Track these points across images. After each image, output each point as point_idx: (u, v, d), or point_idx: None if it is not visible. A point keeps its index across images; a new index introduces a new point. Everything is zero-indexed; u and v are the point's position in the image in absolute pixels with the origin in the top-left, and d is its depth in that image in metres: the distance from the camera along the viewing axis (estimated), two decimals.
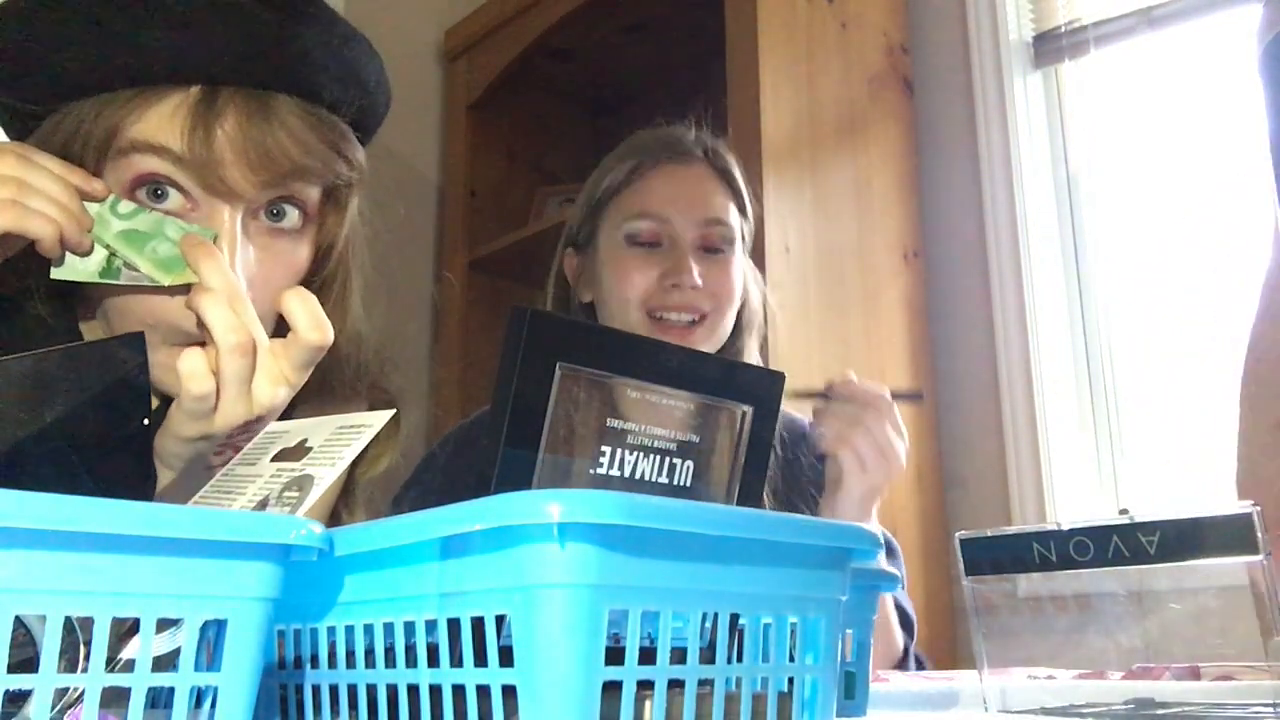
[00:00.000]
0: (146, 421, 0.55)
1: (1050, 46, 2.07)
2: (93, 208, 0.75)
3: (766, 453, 0.55)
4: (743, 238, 1.32)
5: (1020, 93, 2.04)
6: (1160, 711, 0.68)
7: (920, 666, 1.24)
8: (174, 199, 0.78)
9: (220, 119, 0.76)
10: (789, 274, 1.79)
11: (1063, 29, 2.05)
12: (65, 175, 0.74)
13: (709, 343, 1.25)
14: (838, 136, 1.97)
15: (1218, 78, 1.90)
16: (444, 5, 2.66)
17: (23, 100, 0.80)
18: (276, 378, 0.74)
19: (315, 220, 0.84)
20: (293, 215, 0.82)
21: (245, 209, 0.79)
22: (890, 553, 1.30)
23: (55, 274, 0.75)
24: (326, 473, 0.50)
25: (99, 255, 0.75)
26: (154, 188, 0.78)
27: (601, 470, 0.50)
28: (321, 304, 0.78)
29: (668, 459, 0.52)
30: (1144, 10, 1.96)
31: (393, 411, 0.58)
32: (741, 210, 1.32)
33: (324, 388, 0.86)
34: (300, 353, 0.74)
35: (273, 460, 0.55)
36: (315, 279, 0.86)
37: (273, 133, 0.77)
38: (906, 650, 1.22)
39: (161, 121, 0.76)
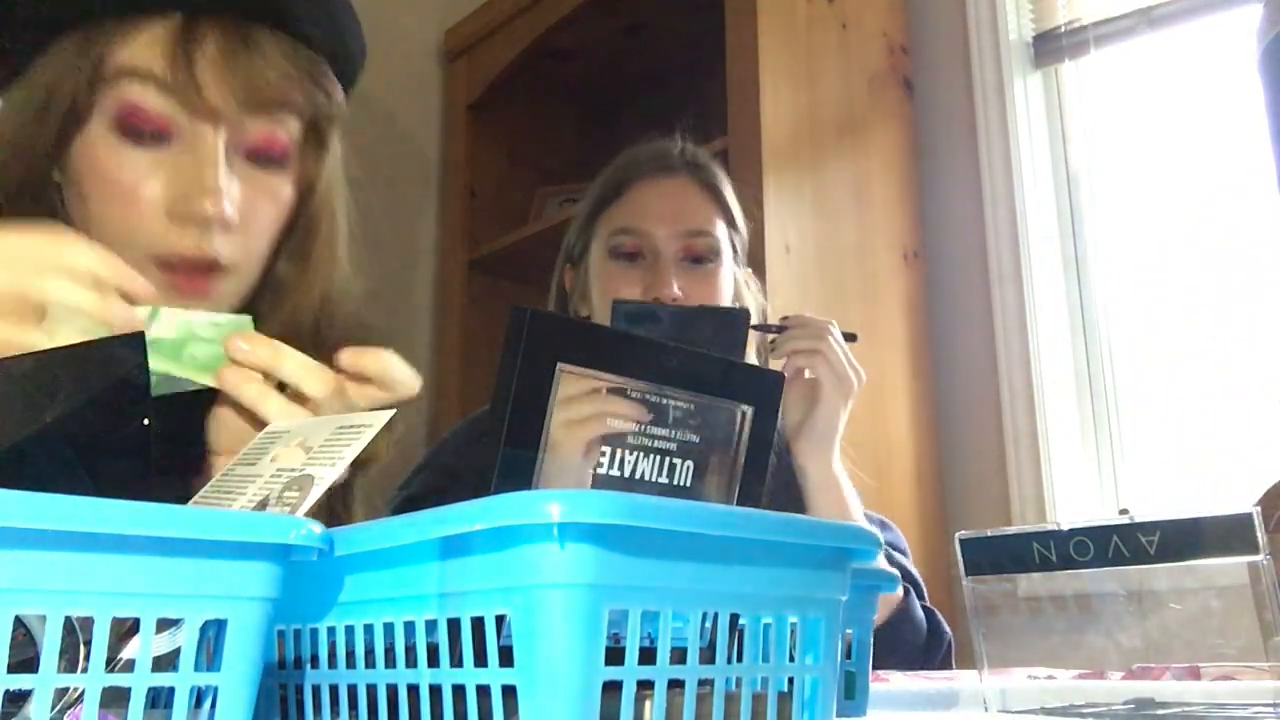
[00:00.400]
0: (146, 421, 0.55)
1: (1050, 46, 2.07)
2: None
3: (766, 453, 0.55)
4: (735, 249, 1.32)
5: (1020, 93, 2.04)
6: (1160, 711, 0.68)
7: (931, 618, 1.25)
8: (160, 139, 0.78)
9: (201, 44, 0.77)
10: (789, 274, 1.79)
11: (1063, 29, 2.05)
12: (107, 277, 0.66)
13: None
14: (838, 136, 1.97)
15: (1218, 78, 1.90)
16: (444, 5, 2.66)
17: (8, 43, 0.79)
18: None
19: (296, 158, 0.84)
20: (275, 149, 0.82)
21: (228, 143, 0.79)
22: (885, 528, 1.32)
23: None
24: (326, 473, 0.50)
25: None
26: (140, 130, 0.78)
27: (601, 470, 0.50)
28: (310, 245, 0.80)
29: (668, 459, 0.52)
30: (1144, 10, 1.96)
31: (393, 411, 0.58)
32: (730, 222, 1.32)
33: (316, 341, 0.85)
34: (382, 400, 0.72)
35: (273, 460, 0.55)
36: (300, 218, 0.86)
37: (252, 58, 0.78)
38: (907, 593, 1.23)
39: (143, 49, 0.77)
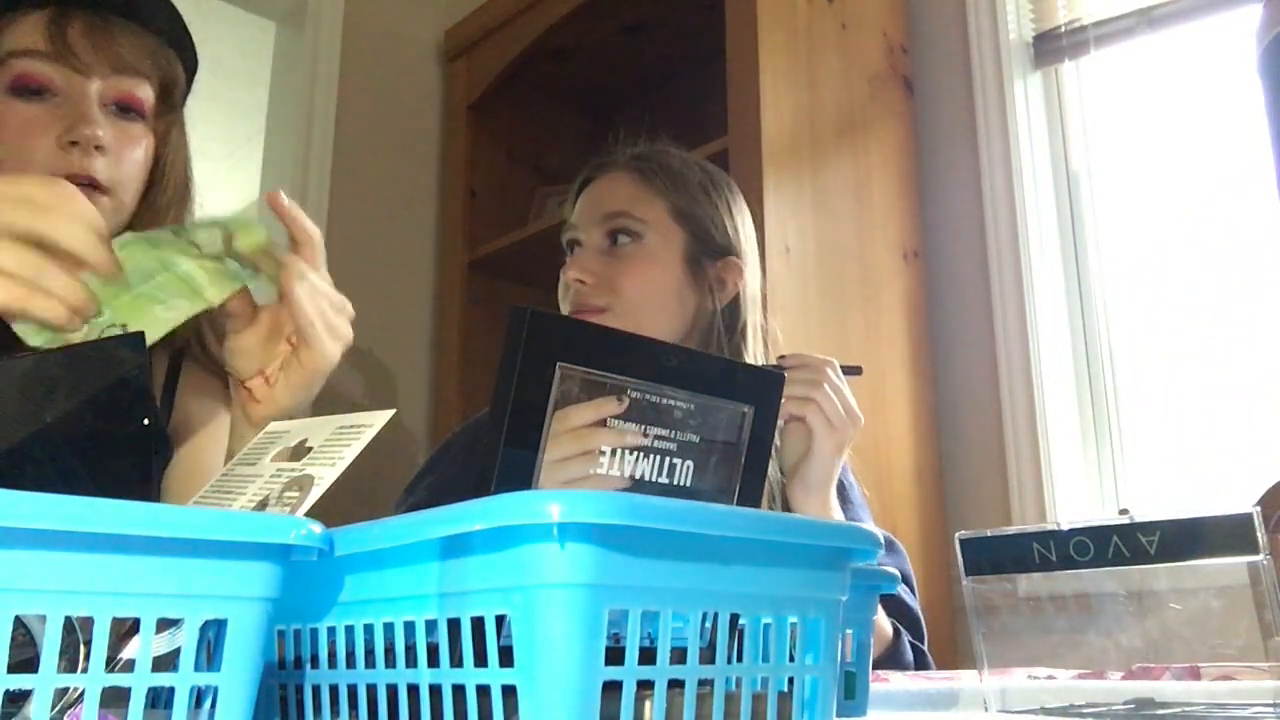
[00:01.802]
0: (146, 421, 0.55)
1: (1050, 46, 2.07)
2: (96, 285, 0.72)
3: (767, 453, 0.55)
4: (697, 237, 1.28)
5: (1020, 93, 2.04)
6: (1160, 711, 0.68)
7: (919, 658, 1.22)
8: (45, 96, 0.98)
9: (71, 22, 0.99)
10: (789, 274, 1.79)
11: (1063, 29, 2.05)
12: (86, 253, 0.72)
13: None
14: (838, 136, 1.97)
15: (1218, 78, 1.90)
16: (444, 5, 2.66)
17: None
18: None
19: (152, 117, 1.04)
20: (135, 102, 1.01)
21: (99, 93, 0.98)
22: (891, 548, 1.30)
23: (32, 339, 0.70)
24: (327, 473, 0.50)
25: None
26: (29, 88, 0.97)
27: (601, 470, 0.50)
28: (160, 196, 1.02)
29: (668, 459, 0.52)
30: (1144, 10, 1.96)
31: (393, 411, 0.58)
32: (680, 208, 1.29)
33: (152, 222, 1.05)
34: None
35: (273, 460, 0.55)
36: (154, 172, 1.05)
37: (112, 33, 1.00)
38: (898, 633, 1.20)
39: (26, 33, 0.99)
